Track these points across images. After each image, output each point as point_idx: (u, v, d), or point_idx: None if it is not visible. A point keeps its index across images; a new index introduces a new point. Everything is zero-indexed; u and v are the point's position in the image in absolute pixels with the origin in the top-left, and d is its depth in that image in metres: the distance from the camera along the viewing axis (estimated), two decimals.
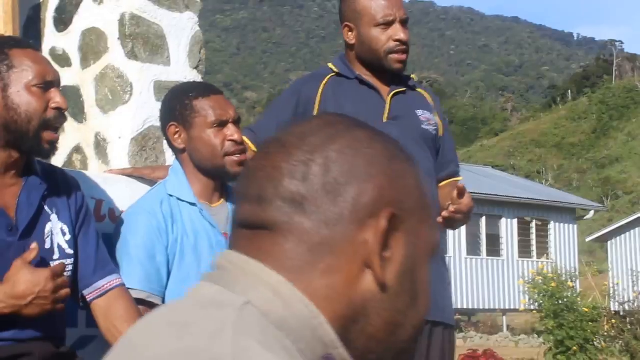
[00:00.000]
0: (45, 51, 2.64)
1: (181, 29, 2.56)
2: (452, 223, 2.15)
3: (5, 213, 1.78)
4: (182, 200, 2.06)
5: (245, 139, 2.18)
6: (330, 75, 2.27)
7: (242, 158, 2.05)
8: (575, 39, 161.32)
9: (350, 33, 2.21)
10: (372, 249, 0.63)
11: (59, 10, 2.71)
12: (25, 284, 1.76)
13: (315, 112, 2.22)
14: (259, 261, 0.64)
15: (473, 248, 16.53)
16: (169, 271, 2.03)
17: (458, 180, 2.39)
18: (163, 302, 2.00)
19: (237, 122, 2.09)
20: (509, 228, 17.10)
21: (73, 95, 2.57)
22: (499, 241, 16.96)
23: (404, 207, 0.66)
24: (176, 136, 2.03)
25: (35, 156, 1.89)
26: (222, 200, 2.10)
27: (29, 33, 2.77)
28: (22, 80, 1.81)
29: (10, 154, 1.82)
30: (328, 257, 0.65)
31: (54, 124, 1.82)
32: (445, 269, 2.43)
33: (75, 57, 2.69)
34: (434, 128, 2.27)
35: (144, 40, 2.50)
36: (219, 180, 2.08)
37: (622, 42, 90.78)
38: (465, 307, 16.33)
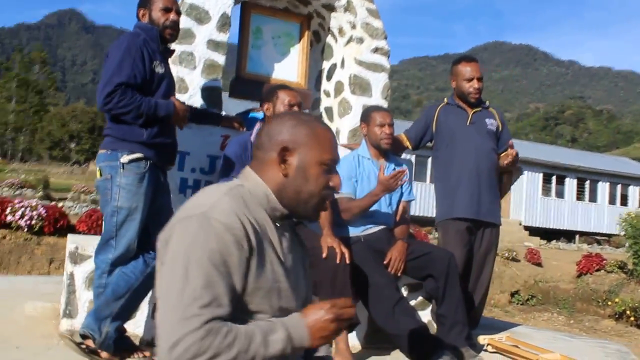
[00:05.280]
0: (322, 93, 4.88)
1: (378, 81, 4.54)
2: (511, 165, 3.88)
3: None
4: (364, 157, 3.73)
5: (403, 135, 4.20)
6: (443, 104, 4.08)
7: (389, 139, 3.67)
8: None
9: (454, 83, 3.99)
10: (277, 160, 1.46)
11: (328, 71, 4.85)
12: None
13: (434, 122, 4.02)
14: (252, 170, 1.50)
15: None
16: (357, 183, 3.63)
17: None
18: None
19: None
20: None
21: (328, 111, 4.77)
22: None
23: (296, 144, 1.45)
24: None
25: None
26: (381, 159, 3.73)
27: (316, 83, 4.95)
28: (282, 102, 3.30)
29: None
30: (266, 165, 1.48)
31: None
32: (496, 188, 3.99)
33: (332, 92, 4.76)
34: (495, 128, 3.98)
35: (360, 86, 4.51)
36: (380, 150, 3.69)
37: None
38: None
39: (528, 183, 25.86)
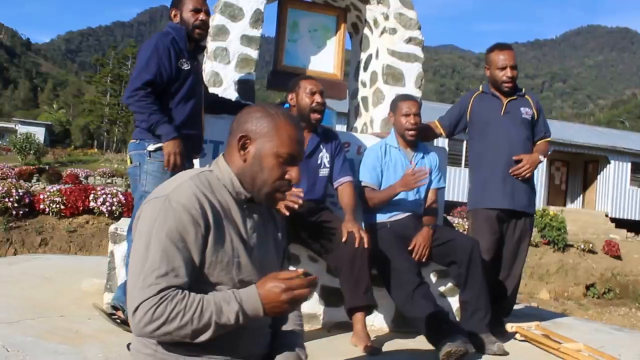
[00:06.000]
0: (360, 83, 5.03)
1: (412, 71, 4.60)
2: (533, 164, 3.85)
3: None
4: (392, 146, 3.84)
5: (437, 122, 4.25)
6: (478, 92, 4.07)
7: (414, 129, 3.71)
8: None
9: (488, 71, 3.97)
10: (237, 146, 1.63)
11: (365, 62, 4.96)
12: None
13: (469, 111, 4.02)
14: (223, 157, 1.68)
15: None
16: (382, 173, 3.75)
17: (547, 139, 4.03)
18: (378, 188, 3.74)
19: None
20: None
21: (364, 101, 4.89)
22: None
23: (256, 134, 1.60)
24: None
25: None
26: (409, 148, 3.83)
27: (355, 73, 5.09)
28: (304, 91, 3.45)
29: (306, 127, 3.47)
30: (232, 149, 1.65)
31: (318, 109, 3.44)
32: (533, 181, 3.97)
33: (367, 82, 4.87)
34: (530, 116, 3.94)
35: (393, 75, 4.59)
36: (406, 140, 3.78)
37: None
38: None
39: (615, 173, 24.62)
